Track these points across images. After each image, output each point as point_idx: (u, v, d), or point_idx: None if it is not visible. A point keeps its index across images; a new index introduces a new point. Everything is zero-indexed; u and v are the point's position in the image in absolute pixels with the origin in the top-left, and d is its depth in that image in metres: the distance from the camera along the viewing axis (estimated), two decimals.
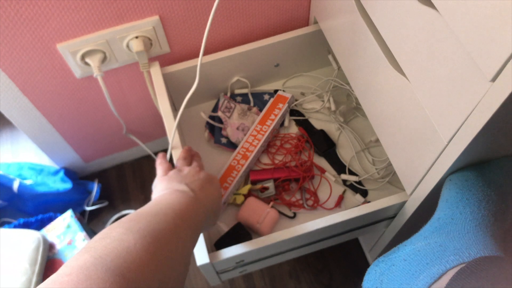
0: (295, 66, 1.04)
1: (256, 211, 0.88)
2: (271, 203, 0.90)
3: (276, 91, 1.03)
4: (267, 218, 0.87)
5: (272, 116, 0.97)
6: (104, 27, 0.82)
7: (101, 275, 0.38)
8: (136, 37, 0.85)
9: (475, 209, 0.59)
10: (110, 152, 1.23)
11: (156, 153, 1.23)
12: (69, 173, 1.22)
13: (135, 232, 0.46)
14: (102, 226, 1.21)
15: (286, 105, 0.98)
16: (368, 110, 0.79)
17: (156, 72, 0.89)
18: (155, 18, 0.84)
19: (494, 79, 0.44)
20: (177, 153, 0.83)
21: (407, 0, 0.56)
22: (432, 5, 0.51)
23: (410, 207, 0.75)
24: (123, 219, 0.51)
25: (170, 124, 0.85)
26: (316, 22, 0.96)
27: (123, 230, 0.47)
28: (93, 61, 0.85)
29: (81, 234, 1.06)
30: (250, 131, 0.96)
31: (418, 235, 0.64)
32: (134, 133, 1.15)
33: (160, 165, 0.73)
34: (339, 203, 0.91)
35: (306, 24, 1.00)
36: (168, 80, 0.94)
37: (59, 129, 1.05)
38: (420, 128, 0.62)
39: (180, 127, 1.01)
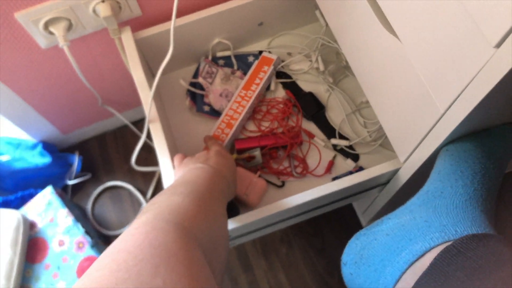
0: (280, 24, 0.96)
1: (243, 181, 0.84)
2: (258, 173, 0.86)
3: (260, 52, 0.96)
4: (254, 189, 0.84)
5: (257, 80, 0.91)
6: None
7: (164, 225, 0.44)
8: (103, 1, 0.77)
9: (467, 182, 0.55)
10: (90, 122, 1.17)
11: (137, 122, 1.17)
12: (48, 146, 1.16)
13: (179, 194, 0.53)
14: (87, 199, 1.17)
15: (272, 67, 0.92)
16: (358, 72, 0.73)
17: (127, 39, 0.82)
18: None
19: (498, 45, 0.39)
20: (154, 127, 0.77)
21: None
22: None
23: (404, 175, 0.71)
24: (159, 193, 0.56)
25: (146, 96, 0.79)
26: None
27: (168, 195, 0.53)
28: (58, 30, 0.78)
29: (63, 211, 1.02)
30: (234, 97, 0.90)
31: (404, 208, 0.60)
32: (111, 103, 1.09)
33: (175, 159, 0.74)
34: (329, 169, 0.87)
35: None
36: (142, 45, 0.87)
37: (31, 103, 0.99)
38: (413, 94, 0.57)
39: (159, 96, 0.95)
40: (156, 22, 0.88)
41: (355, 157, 0.88)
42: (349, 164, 0.87)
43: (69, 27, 0.81)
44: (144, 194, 1.17)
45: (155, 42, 0.87)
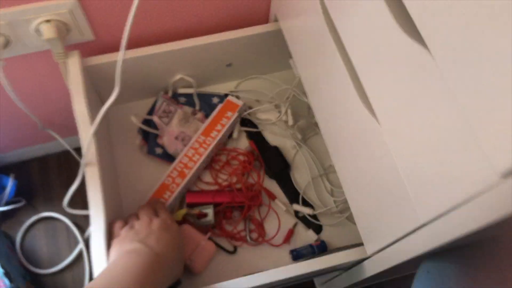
0: (251, 67, 0.87)
1: (189, 242, 0.73)
2: (209, 234, 0.75)
3: (226, 95, 0.87)
4: (201, 253, 0.73)
5: (219, 127, 0.81)
6: (3, 5, 0.63)
7: None
8: (48, 21, 0.67)
9: None
10: (31, 143, 1.04)
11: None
12: None
13: None
14: (18, 228, 1.04)
15: (237, 114, 0.82)
16: (328, 141, 0.65)
17: (74, 65, 0.71)
18: (71, 0, 0.65)
19: (507, 176, 0.30)
20: (91, 173, 0.66)
21: (383, 23, 0.40)
22: (421, 41, 0.36)
23: (370, 268, 0.62)
24: None
25: (85, 134, 0.68)
26: (276, 20, 0.79)
27: None
28: None
29: None
30: (191, 142, 0.80)
31: None
32: (57, 126, 0.96)
33: (114, 227, 0.65)
34: (288, 239, 0.77)
35: (266, 21, 0.83)
36: (92, 73, 0.76)
37: None
38: (388, 187, 0.48)
39: (107, 127, 0.84)
40: (111, 49, 0.78)
41: (318, 229, 0.78)
42: (310, 236, 0.77)
43: (7, 44, 0.69)
44: (82, 230, 1.05)
45: (107, 71, 0.76)
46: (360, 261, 0.65)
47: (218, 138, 0.80)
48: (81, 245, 1.03)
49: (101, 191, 0.65)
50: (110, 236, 0.64)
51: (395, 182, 0.45)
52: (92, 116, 0.70)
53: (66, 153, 1.10)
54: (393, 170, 0.45)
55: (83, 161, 0.66)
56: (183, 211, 0.76)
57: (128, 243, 0.60)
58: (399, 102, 0.42)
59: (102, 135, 0.77)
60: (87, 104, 0.70)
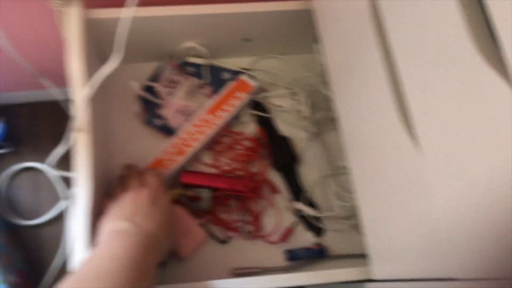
0: (270, 45, 0.78)
1: (179, 225, 0.68)
2: (201, 220, 0.70)
3: (240, 72, 0.78)
4: (190, 238, 0.68)
5: (227, 107, 0.73)
6: None
7: None
8: None
9: None
10: (24, 88, 0.97)
11: None
12: None
13: None
14: (2, 173, 0.98)
15: (248, 95, 0.74)
16: (347, 139, 0.58)
17: (73, 15, 0.63)
18: None
19: None
20: (82, 138, 0.59)
21: (451, 33, 0.32)
22: (504, 75, 0.28)
23: None
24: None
25: (79, 97, 0.61)
26: None
27: None
28: None
29: None
30: (195, 119, 0.72)
31: None
32: (52, 74, 0.88)
33: (104, 206, 0.60)
34: (286, 237, 0.72)
35: None
36: (94, 27, 0.67)
37: None
38: (417, 221, 0.41)
39: (103, 89, 0.76)
40: (121, 1, 0.69)
41: (318, 231, 0.72)
42: (309, 238, 0.72)
43: None
44: (68, 186, 0.99)
45: (112, 27, 0.66)
46: (364, 281, 0.60)
47: (225, 118, 0.72)
48: (64, 202, 0.97)
49: (89, 160, 0.59)
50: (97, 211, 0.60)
51: (426, 220, 0.39)
52: (89, 76, 0.63)
53: (58, 103, 1.03)
54: (425, 208, 0.38)
55: (73, 126, 0.59)
56: (177, 191, 0.70)
57: (115, 221, 0.56)
58: (453, 133, 0.34)
59: (98, 97, 0.69)
60: (83, 62, 0.62)
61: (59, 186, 0.98)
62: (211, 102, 0.73)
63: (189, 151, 0.71)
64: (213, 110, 0.73)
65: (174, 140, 0.72)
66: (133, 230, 0.54)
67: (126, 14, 0.65)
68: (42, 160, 1.00)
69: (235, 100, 0.73)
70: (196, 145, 0.71)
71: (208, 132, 0.72)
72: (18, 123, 1.02)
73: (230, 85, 0.75)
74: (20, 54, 0.79)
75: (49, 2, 0.61)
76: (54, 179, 0.99)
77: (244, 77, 0.75)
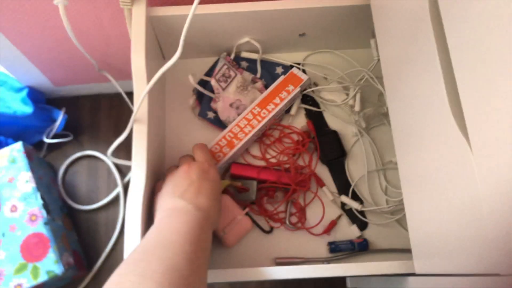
0: (325, 39, 0.80)
1: (225, 214, 0.71)
2: (247, 209, 0.72)
3: (292, 66, 0.81)
4: (236, 228, 0.71)
5: (277, 100, 0.76)
6: None
7: None
8: None
9: None
10: (86, 81, 1.03)
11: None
12: (35, 93, 1.03)
13: (149, 279, 0.43)
14: (61, 160, 1.05)
15: (298, 88, 0.76)
16: (397, 135, 0.59)
17: (139, 14, 0.67)
18: None
19: None
20: (140, 128, 0.64)
21: None
22: None
23: (416, 285, 0.57)
24: (128, 259, 0.48)
25: (139, 89, 0.65)
26: None
27: (136, 278, 0.44)
28: None
29: (26, 175, 0.89)
30: (245, 112, 0.75)
31: None
32: (113, 68, 0.94)
33: (156, 186, 0.65)
34: (329, 229, 0.73)
35: None
36: (157, 24, 0.72)
37: (21, 48, 0.85)
38: (463, 218, 0.42)
39: (163, 83, 0.80)
40: (181, 2, 0.73)
41: (363, 226, 0.73)
42: (354, 231, 0.73)
43: None
44: (123, 174, 1.05)
45: (173, 24, 0.71)
46: (406, 274, 0.60)
47: (274, 112, 0.75)
48: (119, 189, 1.03)
49: (146, 150, 0.63)
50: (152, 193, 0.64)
51: (473, 216, 0.39)
52: (150, 70, 0.67)
53: (119, 95, 1.09)
54: (474, 204, 0.39)
55: (133, 117, 0.63)
56: (226, 182, 0.73)
57: (170, 199, 0.59)
58: (504, 130, 0.35)
59: (157, 91, 0.73)
60: (146, 58, 0.66)
61: (116, 174, 1.04)
62: (262, 96, 0.76)
63: (239, 144, 0.73)
64: (263, 104, 0.75)
65: (225, 132, 0.74)
66: (187, 207, 0.57)
67: (187, 11, 0.69)
68: (100, 149, 1.06)
69: (285, 93, 0.76)
70: (245, 138, 0.74)
71: (258, 125, 0.74)
72: (79, 114, 1.09)
73: (281, 79, 0.77)
74: (85, 49, 0.85)
75: (117, 1, 0.66)
76: (111, 167, 1.04)
77: (295, 70, 0.77)
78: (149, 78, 0.66)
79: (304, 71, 0.80)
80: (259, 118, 0.75)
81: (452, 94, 0.43)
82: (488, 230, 0.37)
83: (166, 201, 0.59)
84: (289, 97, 0.76)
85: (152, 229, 0.55)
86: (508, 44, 0.33)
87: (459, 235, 0.43)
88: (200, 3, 0.70)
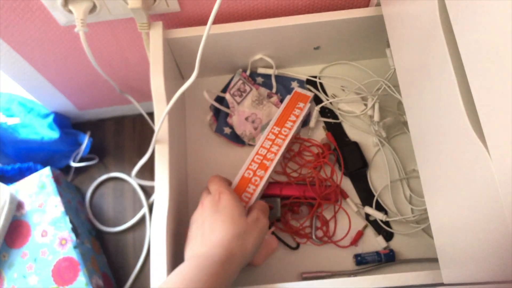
0: (340, 51, 0.80)
1: None
2: (273, 228, 0.72)
3: (308, 80, 0.81)
4: (263, 248, 0.70)
5: (293, 117, 0.75)
6: None
7: None
8: None
9: None
10: (109, 104, 1.06)
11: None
12: (61, 118, 1.06)
13: None
14: (88, 183, 1.07)
15: (309, 104, 0.77)
16: (416, 143, 0.58)
17: (156, 37, 0.69)
18: None
19: None
20: (162, 148, 0.65)
21: None
22: None
23: None
24: None
25: (160, 110, 0.66)
26: (379, 5, 0.71)
27: None
28: (77, 11, 0.65)
29: (55, 199, 0.92)
30: (266, 134, 0.74)
31: None
32: (134, 90, 0.97)
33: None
34: (356, 240, 0.73)
35: (367, 4, 0.75)
36: (174, 46, 0.73)
37: (46, 75, 0.88)
38: (487, 224, 0.41)
39: (182, 102, 0.82)
40: (196, 22, 0.75)
41: (388, 236, 0.73)
42: (380, 242, 0.72)
43: (93, 9, 0.68)
44: (148, 195, 1.06)
45: (189, 45, 0.73)
46: (434, 285, 0.59)
47: (294, 128, 0.74)
48: (145, 209, 1.04)
49: (168, 170, 0.64)
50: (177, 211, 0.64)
51: (497, 222, 0.39)
52: (169, 91, 0.68)
53: (141, 116, 1.11)
54: (497, 209, 0.38)
55: (154, 138, 0.65)
56: None
57: (198, 246, 0.58)
58: None
59: (177, 110, 0.75)
60: (165, 79, 0.67)
61: (141, 195, 1.05)
62: (276, 116, 0.76)
63: (272, 164, 0.71)
64: (281, 123, 0.75)
65: (252, 156, 0.72)
66: (213, 258, 0.55)
67: (202, 32, 0.71)
68: (125, 170, 1.08)
69: (299, 111, 0.76)
70: (276, 157, 0.72)
71: (284, 143, 0.73)
72: (103, 136, 1.12)
73: (287, 100, 0.77)
74: (107, 73, 0.87)
75: (135, 25, 0.68)
76: (136, 188, 1.06)
77: (298, 90, 0.78)
78: (168, 99, 0.67)
79: (321, 84, 0.80)
80: (282, 136, 0.74)
81: (467, 99, 0.42)
82: None
83: (195, 247, 0.58)
84: (303, 113, 0.76)
85: (171, 278, 0.54)
86: None
87: (484, 242, 0.42)
88: (214, 23, 0.72)
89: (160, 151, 0.65)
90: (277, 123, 0.75)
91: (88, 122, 1.13)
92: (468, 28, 0.40)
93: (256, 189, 0.69)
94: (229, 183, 0.68)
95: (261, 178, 0.70)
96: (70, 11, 0.67)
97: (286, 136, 0.74)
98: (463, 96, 0.43)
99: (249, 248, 0.58)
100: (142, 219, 1.05)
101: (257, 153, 0.72)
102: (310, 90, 0.81)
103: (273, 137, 0.74)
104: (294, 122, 0.75)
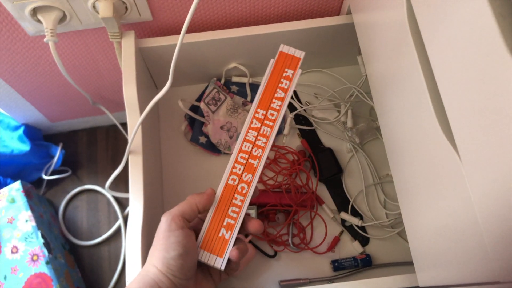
0: (313, 59, 0.81)
1: None
2: (250, 237, 0.72)
3: None
4: None
5: (280, 93, 0.55)
6: None
7: None
8: None
9: None
10: (81, 115, 1.04)
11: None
12: (31, 130, 1.04)
13: None
14: (61, 197, 1.05)
15: (300, 71, 0.57)
16: (389, 149, 0.59)
17: (128, 46, 0.68)
18: None
19: None
20: (135, 160, 0.64)
21: (487, 43, 0.33)
22: None
23: None
24: None
25: (133, 120, 0.65)
26: (350, 13, 0.72)
27: None
28: (46, 21, 0.64)
29: (26, 214, 0.89)
30: (248, 121, 0.54)
31: None
32: (107, 101, 0.95)
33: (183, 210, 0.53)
34: (333, 247, 0.73)
35: (338, 12, 0.76)
36: (146, 55, 0.73)
37: (15, 87, 0.86)
38: (459, 226, 0.42)
39: (156, 111, 0.81)
40: (169, 31, 0.74)
41: (364, 241, 0.73)
42: (356, 247, 0.73)
43: (63, 18, 0.67)
44: (123, 207, 1.04)
45: (162, 54, 0.73)
46: None
47: (283, 108, 0.55)
48: (120, 222, 1.02)
49: (142, 181, 0.63)
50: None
51: (469, 225, 0.39)
52: (142, 100, 0.68)
53: (114, 126, 1.10)
54: (468, 212, 0.39)
55: (128, 148, 0.64)
56: None
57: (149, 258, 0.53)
58: (488, 137, 0.35)
59: (151, 120, 0.74)
60: (138, 89, 0.67)
61: (116, 207, 1.03)
62: (258, 95, 0.56)
63: (260, 163, 0.54)
64: (265, 103, 0.55)
65: (235, 155, 0.54)
66: (145, 273, 0.50)
67: (175, 41, 0.71)
68: (99, 182, 1.06)
69: (287, 81, 0.56)
70: (264, 153, 0.54)
71: (273, 131, 0.55)
72: (76, 148, 1.09)
73: (271, 65, 0.57)
74: (79, 83, 0.86)
75: (107, 34, 0.67)
76: (110, 200, 1.04)
77: (284, 49, 0.59)
78: (142, 109, 0.67)
79: (295, 91, 0.81)
80: (270, 123, 0.54)
81: (437, 104, 0.43)
82: (484, 237, 0.37)
83: (149, 258, 0.52)
84: (293, 84, 0.56)
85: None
86: (484, 52, 0.33)
87: (456, 245, 0.43)
88: (187, 32, 0.72)
89: (134, 162, 0.64)
90: (260, 104, 0.55)
91: (60, 134, 1.10)
92: (437, 34, 0.41)
93: (244, 201, 0.53)
94: (210, 195, 0.54)
95: (249, 184, 0.54)
96: (39, 21, 0.66)
97: (274, 121, 0.55)
98: (433, 101, 0.44)
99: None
100: (117, 231, 1.03)
101: (240, 150, 0.54)
102: None
103: (258, 124, 0.55)
104: (282, 100, 0.55)
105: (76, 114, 1.03)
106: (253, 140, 0.55)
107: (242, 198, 0.53)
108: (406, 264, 0.70)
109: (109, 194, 1.05)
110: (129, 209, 0.62)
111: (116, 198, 1.04)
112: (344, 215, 0.74)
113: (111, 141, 1.10)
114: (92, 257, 1.02)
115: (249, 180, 0.54)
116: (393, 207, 0.74)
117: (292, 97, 0.81)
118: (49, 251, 0.88)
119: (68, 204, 1.05)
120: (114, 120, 0.94)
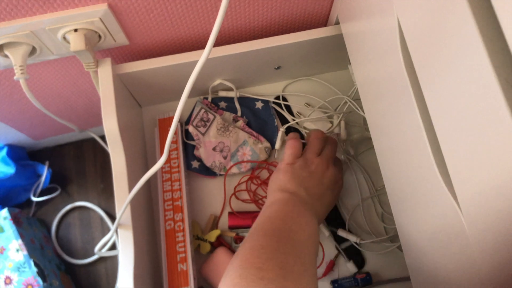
0: (303, 68, 0.77)
1: (222, 267, 0.69)
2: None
3: (271, 100, 0.78)
4: None
5: (172, 145, 0.74)
6: (25, 14, 0.56)
7: None
8: (75, 30, 0.59)
9: None
10: (65, 131, 1.00)
11: None
12: (15, 151, 1.00)
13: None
14: (53, 215, 1.02)
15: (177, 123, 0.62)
16: (382, 163, 0.56)
17: (105, 74, 0.64)
18: (102, 7, 0.57)
19: None
20: (120, 200, 0.61)
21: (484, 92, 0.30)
22: None
23: None
24: (244, 248, 0.51)
25: (116, 153, 0.62)
26: (337, 23, 0.68)
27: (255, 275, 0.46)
28: (15, 57, 0.60)
29: (16, 243, 0.87)
30: (160, 177, 0.74)
31: None
32: (93, 115, 0.92)
33: (289, 148, 0.64)
34: (328, 272, 0.71)
35: (325, 23, 0.72)
36: (126, 80, 0.69)
37: None
38: (452, 243, 0.40)
39: (142, 133, 0.78)
40: (146, 54, 0.70)
41: (362, 259, 0.71)
42: (350, 269, 0.71)
43: (33, 51, 0.63)
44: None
45: (142, 77, 0.69)
46: None
47: (181, 153, 0.74)
48: (114, 237, 1.00)
49: (129, 195, 0.60)
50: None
51: (459, 241, 0.38)
52: (125, 126, 0.65)
53: (102, 138, 1.06)
54: (459, 229, 0.38)
55: (115, 225, 0.61)
56: (217, 232, 0.71)
57: (296, 185, 0.60)
58: (475, 154, 0.33)
59: (134, 145, 0.71)
60: (118, 119, 0.63)
61: (109, 223, 1.01)
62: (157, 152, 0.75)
63: (183, 202, 0.71)
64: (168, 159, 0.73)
65: (162, 205, 0.72)
66: (307, 205, 0.59)
67: (153, 65, 0.67)
68: (89, 197, 1.04)
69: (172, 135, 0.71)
70: (183, 193, 0.72)
71: (180, 175, 0.73)
72: (64, 164, 1.06)
73: (157, 133, 0.76)
74: (60, 107, 0.82)
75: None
76: (103, 216, 1.02)
77: (160, 117, 0.77)
78: (124, 139, 0.63)
79: (285, 99, 0.78)
80: (175, 169, 0.73)
81: (426, 116, 0.41)
82: (475, 254, 0.36)
83: (293, 183, 0.61)
84: (179, 133, 0.74)
85: (272, 211, 0.57)
86: (467, 65, 0.30)
87: (449, 260, 0.42)
88: (169, 53, 0.68)
89: (119, 189, 0.62)
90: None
91: (45, 149, 1.07)
92: (425, 53, 0.38)
93: (185, 235, 0.68)
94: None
95: (183, 220, 0.69)
96: (6, 56, 0.62)
97: (179, 166, 0.73)
98: (422, 113, 0.41)
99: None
100: (113, 248, 1.01)
101: (164, 200, 0.71)
102: (276, 110, 0.78)
103: (168, 176, 0.73)
104: (177, 149, 0.74)
105: (61, 130, 0.99)
106: (170, 188, 0.71)
107: (182, 233, 0.68)
108: (406, 280, 0.69)
109: (101, 210, 1.02)
110: (120, 238, 0.60)
111: (108, 213, 1.02)
112: (341, 233, 0.72)
113: (99, 153, 1.07)
114: (89, 275, 1.00)
115: (181, 218, 0.69)
116: (391, 221, 0.72)
117: (283, 109, 0.78)
118: (44, 279, 0.87)
119: (60, 223, 1.03)
120: (103, 144, 0.90)
